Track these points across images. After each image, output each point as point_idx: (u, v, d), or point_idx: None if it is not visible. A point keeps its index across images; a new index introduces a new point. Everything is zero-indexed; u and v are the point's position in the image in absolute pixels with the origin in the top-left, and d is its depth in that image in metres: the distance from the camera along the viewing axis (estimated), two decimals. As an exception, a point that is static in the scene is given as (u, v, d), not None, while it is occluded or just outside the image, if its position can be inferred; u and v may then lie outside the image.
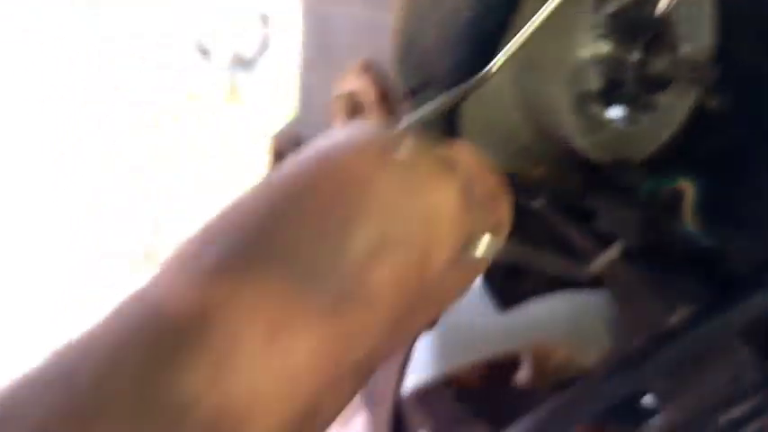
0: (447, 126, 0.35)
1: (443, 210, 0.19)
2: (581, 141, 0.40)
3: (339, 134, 0.20)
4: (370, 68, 0.34)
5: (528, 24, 0.22)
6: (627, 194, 0.38)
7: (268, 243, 0.16)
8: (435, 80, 0.27)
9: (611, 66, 0.39)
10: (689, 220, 0.41)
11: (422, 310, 0.20)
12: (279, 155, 0.45)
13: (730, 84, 0.48)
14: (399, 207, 0.18)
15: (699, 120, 0.47)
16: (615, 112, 0.43)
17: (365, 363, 0.18)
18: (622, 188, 0.38)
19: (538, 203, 0.38)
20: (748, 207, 0.44)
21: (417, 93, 0.27)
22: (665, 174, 0.39)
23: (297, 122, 0.45)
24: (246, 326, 0.15)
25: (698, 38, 0.43)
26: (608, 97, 0.41)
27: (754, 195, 0.47)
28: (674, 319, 0.37)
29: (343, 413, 0.20)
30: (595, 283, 0.50)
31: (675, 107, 0.44)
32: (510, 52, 0.24)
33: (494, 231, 0.21)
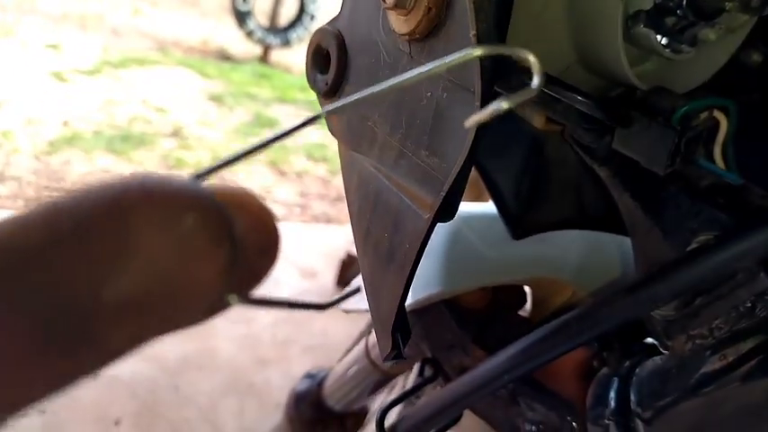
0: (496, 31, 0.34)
1: (204, 283, 0.18)
2: (623, 65, 0.39)
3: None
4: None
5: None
6: (661, 117, 0.37)
7: (25, 270, 0.16)
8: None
9: (663, -13, 0.38)
10: (718, 156, 0.40)
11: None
12: (318, 51, 0.45)
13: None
14: (162, 270, 0.17)
15: (734, 76, 0.46)
16: (662, 40, 0.42)
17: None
18: (657, 110, 0.38)
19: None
20: None
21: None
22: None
23: (338, 18, 0.44)
24: None
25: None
26: (657, 21, 0.40)
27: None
28: (693, 246, 0.36)
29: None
30: (612, 223, 0.50)
31: (718, 48, 0.43)
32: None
33: (250, 283, 0.20)
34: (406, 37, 0.35)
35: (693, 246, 0.36)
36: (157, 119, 3.59)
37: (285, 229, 2.71)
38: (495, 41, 0.30)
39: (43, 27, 4.60)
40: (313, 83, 0.45)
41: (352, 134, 0.41)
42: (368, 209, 0.38)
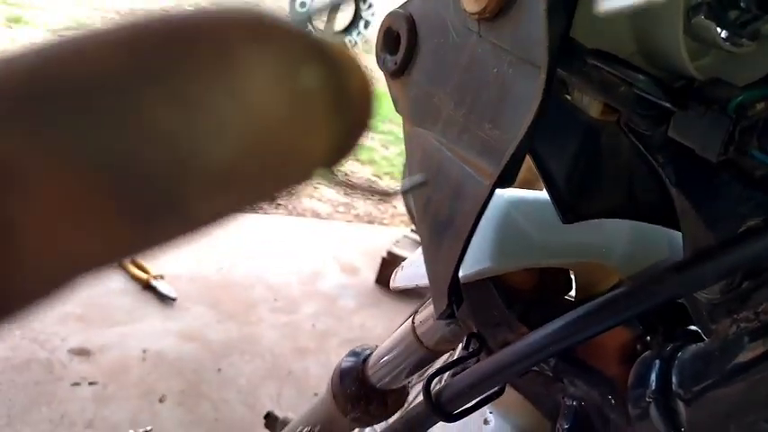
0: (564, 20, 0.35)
1: (312, 155, 0.15)
2: (683, 57, 0.41)
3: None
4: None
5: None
6: (717, 105, 0.39)
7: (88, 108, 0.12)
8: None
9: (726, -19, 0.40)
10: (773, 148, 0.41)
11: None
12: (388, 32, 0.48)
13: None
14: (270, 132, 0.14)
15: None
16: (722, 33, 0.43)
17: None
18: (713, 99, 0.39)
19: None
20: None
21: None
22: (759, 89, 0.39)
23: (411, 2, 0.46)
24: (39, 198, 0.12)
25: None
26: (719, 13, 0.41)
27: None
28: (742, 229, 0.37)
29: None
30: (663, 216, 0.51)
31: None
32: None
33: (353, 137, 0.17)
34: (476, 16, 0.37)
35: (743, 229, 0.38)
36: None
37: (330, 227, 2.76)
38: (564, 20, 0.32)
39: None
40: (382, 63, 0.48)
41: (418, 111, 0.44)
42: (430, 179, 0.41)
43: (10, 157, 0.11)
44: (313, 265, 2.39)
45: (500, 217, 0.51)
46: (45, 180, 0.11)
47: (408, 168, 0.46)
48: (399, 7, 0.47)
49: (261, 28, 0.14)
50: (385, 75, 0.48)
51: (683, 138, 0.41)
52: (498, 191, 0.52)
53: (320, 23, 5.09)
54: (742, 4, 0.41)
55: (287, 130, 0.14)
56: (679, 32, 0.40)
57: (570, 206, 0.50)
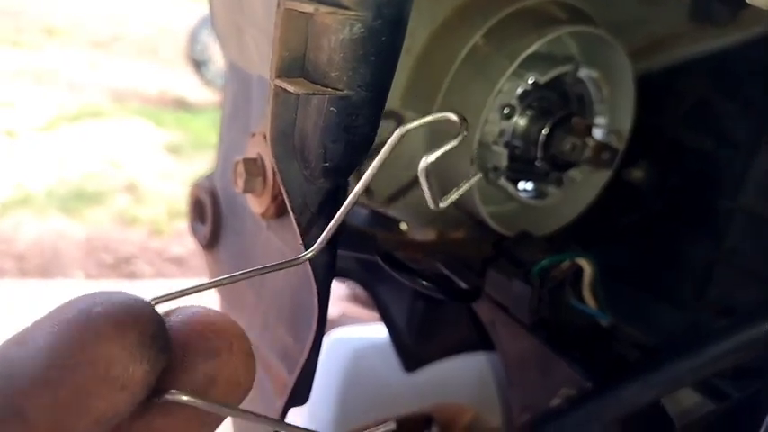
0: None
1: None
2: (485, 213, 0.40)
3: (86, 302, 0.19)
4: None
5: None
6: (522, 269, 0.38)
7: None
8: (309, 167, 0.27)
9: (518, 143, 0.40)
10: (588, 297, 0.42)
11: None
12: (197, 203, 0.45)
13: (651, 157, 0.49)
14: None
15: (616, 194, 0.48)
16: (524, 186, 0.44)
17: None
18: (518, 262, 0.39)
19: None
20: (666, 278, 0.45)
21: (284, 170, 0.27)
22: (564, 251, 0.40)
23: (214, 174, 0.45)
24: None
25: (616, 119, 0.44)
26: (516, 173, 0.42)
27: (672, 266, 0.48)
28: (556, 401, 0.37)
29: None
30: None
31: (587, 184, 0.45)
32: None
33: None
34: (260, 216, 0.35)
35: (556, 400, 0.37)
36: (112, 174, 3.55)
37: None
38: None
39: (-3, 84, 4.54)
40: (194, 233, 0.45)
41: (225, 292, 0.42)
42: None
43: None
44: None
45: (347, 370, 0.50)
46: None
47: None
48: (205, 177, 0.44)
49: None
50: (199, 245, 0.45)
51: (497, 296, 0.40)
52: (344, 334, 0.50)
53: (216, 65, 5.03)
54: (537, 164, 0.41)
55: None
56: (478, 197, 0.40)
57: (412, 353, 0.49)
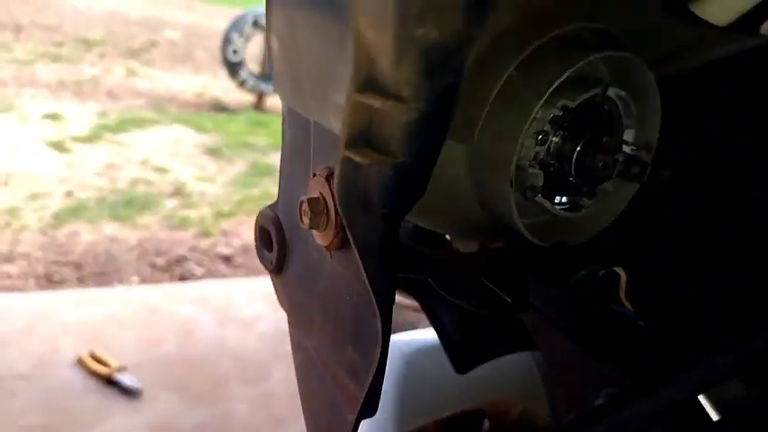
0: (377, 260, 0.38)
1: None
2: (522, 226, 0.44)
3: None
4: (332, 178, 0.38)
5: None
6: (561, 279, 0.42)
7: None
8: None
9: (553, 161, 0.43)
10: (624, 302, 0.45)
11: None
12: (263, 232, 0.50)
13: (680, 166, 0.52)
14: None
15: (643, 205, 0.50)
16: (559, 199, 0.47)
17: None
18: (557, 272, 0.42)
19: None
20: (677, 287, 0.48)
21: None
22: (599, 260, 0.43)
23: (278, 206, 0.49)
24: None
25: (644, 132, 0.47)
26: (551, 190, 0.45)
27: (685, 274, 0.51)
28: (599, 400, 0.41)
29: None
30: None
31: (619, 194, 0.48)
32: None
33: None
34: (325, 248, 0.40)
35: (599, 400, 0.41)
36: (158, 179, 3.68)
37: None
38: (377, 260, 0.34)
39: (41, 97, 4.72)
40: (261, 259, 0.50)
41: (295, 312, 0.46)
42: (306, 391, 0.43)
43: None
44: (276, 325, 2.39)
45: (399, 374, 0.54)
46: None
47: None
48: (269, 207, 0.49)
49: None
50: (267, 270, 0.50)
51: (539, 303, 0.44)
52: (397, 339, 0.54)
53: (255, 65, 5.13)
54: (571, 180, 0.44)
55: None
56: (516, 218, 0.43)
57: (463, 356, 0.53)
